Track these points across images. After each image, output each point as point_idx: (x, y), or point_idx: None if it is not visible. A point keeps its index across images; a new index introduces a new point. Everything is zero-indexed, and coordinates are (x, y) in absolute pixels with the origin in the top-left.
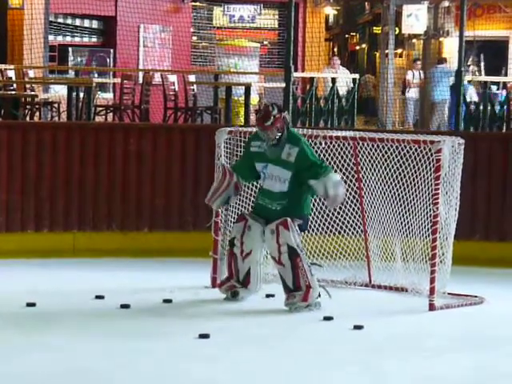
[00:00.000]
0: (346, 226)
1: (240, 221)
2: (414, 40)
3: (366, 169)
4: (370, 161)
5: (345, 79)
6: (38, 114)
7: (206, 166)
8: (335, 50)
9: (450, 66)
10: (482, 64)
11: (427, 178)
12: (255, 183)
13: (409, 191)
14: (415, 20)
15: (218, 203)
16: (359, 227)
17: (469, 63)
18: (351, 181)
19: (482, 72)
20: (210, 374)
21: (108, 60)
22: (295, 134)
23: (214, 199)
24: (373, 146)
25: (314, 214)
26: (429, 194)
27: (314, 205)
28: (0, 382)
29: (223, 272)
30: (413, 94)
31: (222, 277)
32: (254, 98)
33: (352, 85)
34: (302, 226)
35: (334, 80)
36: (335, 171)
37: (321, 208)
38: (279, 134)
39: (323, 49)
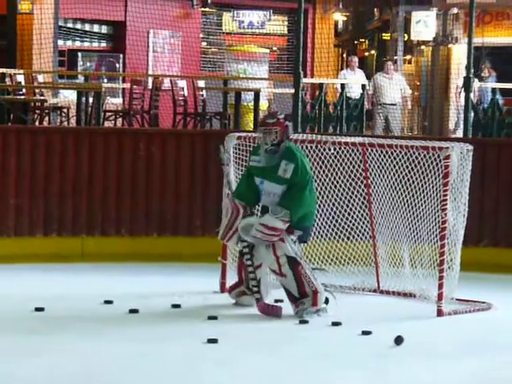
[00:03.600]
0: (355, 232)
1: None
2: (423, 46)
3: (375, 175)
4: (378, 167)
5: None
6: (47, 118)
7: (215, 172)
8: (344, 55)
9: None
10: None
11: (436, 184)
12: None
13: (417, 197)
14: (424, 26)
15: (236, 240)
16: (368, 233)
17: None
18: (360, 186)
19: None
20: (218, 379)
21: (117, 65)
22: (292, 150)
23: (230, 236)
24: (381, 151)
25: (323, 219)
26: (437, 200)
27: (322, 210)
28: None
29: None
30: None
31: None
32: (264, 104)
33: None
34: (302, 237)
35: (343, 86)
36: (344, 177)
37: (329, 214)
38: (277, 140)
39: (332, 55)
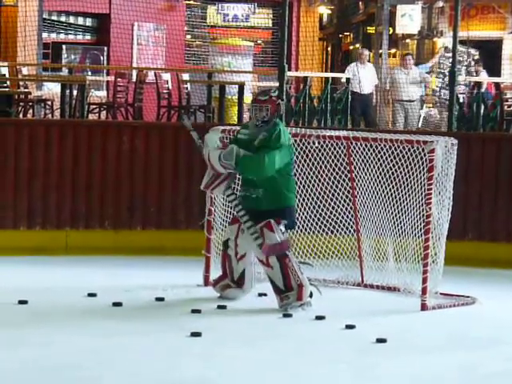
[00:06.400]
0: (339, 226)
1: (234, 223)
2: (408, 40)
3: (359, 168)
4: (363, 160)
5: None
6: (31, 111)
7: (198, 165)
8: (329, 49)
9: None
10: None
11: (420, 177)
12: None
13: (402, 191)
14: (409, 20)
15: (223, 189)
16: (352, 227)
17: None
18: (344, 180)
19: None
20: (202, 372)
21: (102, 58)
22: (276, 125)
23: (217, 185)
24: (366, 145)
25: (307, 213)
26: (421, 193)
27: (306, 204)
28: None
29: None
30: None
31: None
32: (248, 97)
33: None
34: (288, 224)
35: (327, 80)
36: (328, 171)
37: (313, 207)
38: (267, 117)
39: (317, 48)
